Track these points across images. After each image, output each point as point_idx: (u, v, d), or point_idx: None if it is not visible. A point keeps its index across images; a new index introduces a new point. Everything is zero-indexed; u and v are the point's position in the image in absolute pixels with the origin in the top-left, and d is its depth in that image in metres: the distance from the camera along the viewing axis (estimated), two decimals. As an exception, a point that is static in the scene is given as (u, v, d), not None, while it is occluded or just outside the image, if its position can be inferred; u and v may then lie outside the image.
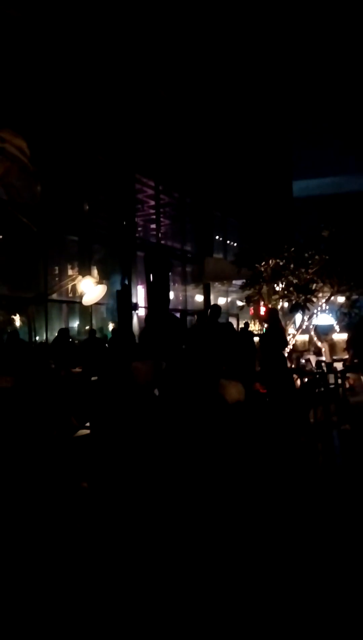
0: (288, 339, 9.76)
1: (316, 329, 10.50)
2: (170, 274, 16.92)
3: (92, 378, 7.19)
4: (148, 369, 6.05)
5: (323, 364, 8.80)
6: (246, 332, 9.84)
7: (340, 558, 3.47)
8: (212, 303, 18.37)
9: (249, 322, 13.31)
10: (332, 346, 10.27)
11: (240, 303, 11.32)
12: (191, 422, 5.67)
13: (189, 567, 3.32)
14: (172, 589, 3.08)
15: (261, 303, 10.47)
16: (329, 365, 8.60)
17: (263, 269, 9.58)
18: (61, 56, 11.76)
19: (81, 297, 9.96)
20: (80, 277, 10.37)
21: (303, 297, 9.16)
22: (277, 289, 9.59)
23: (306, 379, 8.19)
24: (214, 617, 2.80)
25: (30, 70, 10.87)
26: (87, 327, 12.53)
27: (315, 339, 10.46)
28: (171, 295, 16.29)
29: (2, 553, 3.58)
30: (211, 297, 18.76)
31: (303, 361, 9.97)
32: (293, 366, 9.72)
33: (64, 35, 11.75)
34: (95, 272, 13.17)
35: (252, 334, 10.54)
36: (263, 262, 9.52)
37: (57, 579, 3.23)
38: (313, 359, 9.97)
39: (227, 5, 18.75)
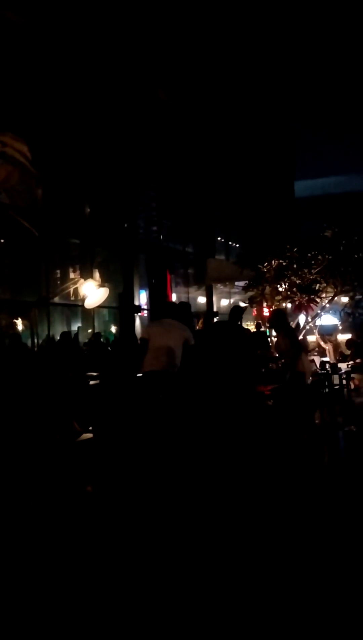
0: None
1: (320, 329, 10.46)
2: (172, 275, 16.92)
3: (95, 382, 7.15)
4: None
5: (327, 364, 8.74)
6: (259, 333, 9.83)
7: (343, 558, 3.43)
8: (215, 305, 18.36)
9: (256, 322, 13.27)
10: (336, 347, 10.21)
11: (242, 304, 11.28)
12: (201, 423, 5.63)
13: (192, 568, 3.28)
14: (175, 590, 3.04)
15: (265, 304, 10.44)
16: (334, 366, 8.55)
17: (265, 270, 9.53)
18: (61, 60, 11.76)
19: (83, 300, 9.93)
20: (82, 280, 10.34)
21: (307, 298, 9.11)
22: (280, 289, 9.55)
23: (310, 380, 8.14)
24: (217, 618, 2.77)
25: (31, 74, 10.87)
26: (89, 330, 12.49)
27: (319, 339, 10.40)
28: (174, 297, 16.27)
29: (7, 557, 3.55)
30: (214, 298, 18.72)
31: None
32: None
33: (65, 39, 11.74)
34: (97, 275, 13.13)
35: (265, 335, 10.46)
36: (266, 263, 9.47)
37: (62, 582, 3.19)
38: (317, 359, 9.91)
39: (228, 4, 18.73)
